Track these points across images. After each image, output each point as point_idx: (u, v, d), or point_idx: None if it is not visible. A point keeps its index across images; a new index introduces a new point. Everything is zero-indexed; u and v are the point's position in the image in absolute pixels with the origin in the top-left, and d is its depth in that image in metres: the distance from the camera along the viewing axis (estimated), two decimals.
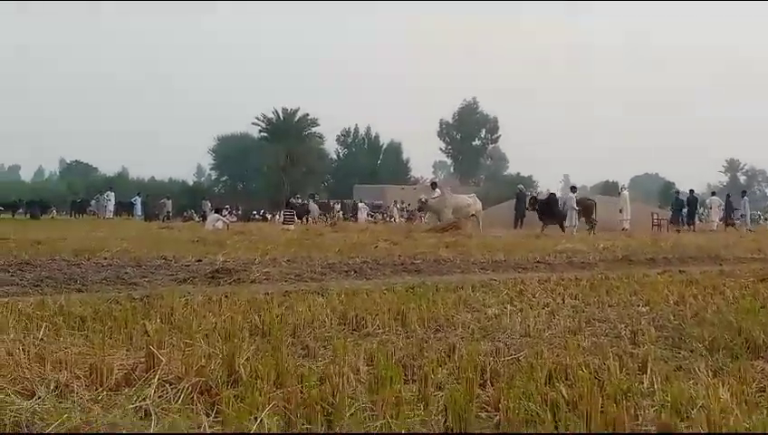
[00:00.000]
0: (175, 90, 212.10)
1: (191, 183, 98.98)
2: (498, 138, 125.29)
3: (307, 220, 49.87)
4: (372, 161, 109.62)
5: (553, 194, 37.00)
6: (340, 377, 4.06)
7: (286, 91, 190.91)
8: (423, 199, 36.22)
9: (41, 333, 4.97)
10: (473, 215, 32.02)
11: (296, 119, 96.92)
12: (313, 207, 55.67)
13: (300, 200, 58.56)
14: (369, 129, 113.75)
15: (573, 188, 38.76)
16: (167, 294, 7.80)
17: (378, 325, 6.43)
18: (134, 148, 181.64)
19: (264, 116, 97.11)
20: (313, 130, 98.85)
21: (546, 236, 26.57)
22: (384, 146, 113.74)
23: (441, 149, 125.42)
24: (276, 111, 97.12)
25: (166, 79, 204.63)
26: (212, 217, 36.97)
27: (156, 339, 4.92)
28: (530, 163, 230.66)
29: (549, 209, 32.80)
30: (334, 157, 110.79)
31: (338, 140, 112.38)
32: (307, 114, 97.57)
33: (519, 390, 4.01)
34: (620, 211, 39.73)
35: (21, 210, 57.61)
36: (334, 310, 7.10)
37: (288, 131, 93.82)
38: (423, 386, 4.10)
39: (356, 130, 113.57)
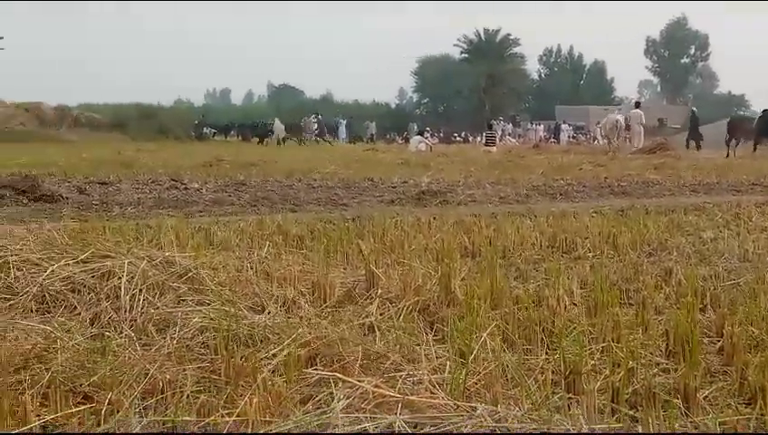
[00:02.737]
0: (378, 12, 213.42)
1: (393, 106, 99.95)
2: (708, 55, 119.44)
3: (265, 142, 47.10)
4: (575, 81, 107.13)
5: None
6: (557, 300, 4.06)
7: (487, 12, 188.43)
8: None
9: (264, 251, 5.19)
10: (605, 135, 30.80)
11: (498, 39, 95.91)
12: (278, 126, 50.49)
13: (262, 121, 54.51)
14: (571, 48, 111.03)
15: None
16: (377, 215, 7.97)
17: (588, 248, 6.35)
18: (338, 71, 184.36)
19: (466, 37, 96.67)
20: (515, 50, 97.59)
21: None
22: (587, 66, 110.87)
23: (647, 67, 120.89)
24: (478, 32, 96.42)
25: (368, 4, 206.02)
26: (415, 139, 37.38)
27: (371, 259, 5.04)
28: (743, 81, 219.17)
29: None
30: (536, 77, 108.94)
31: (540, 60, 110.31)
32: (509, 34, 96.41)
33: (742, 315, 3.89)
34: None
35: (233, 133, 59.90)
36: (543, 232, 7.05)
37: (489, 52, 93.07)
38: (641, 310, 4.04)
39: (558, 49, 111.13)
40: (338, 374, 2.59)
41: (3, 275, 3.67)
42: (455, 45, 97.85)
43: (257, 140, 49.23)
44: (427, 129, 62.99)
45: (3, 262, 3.72)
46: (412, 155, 27.24)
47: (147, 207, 9.55)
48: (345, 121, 63.83)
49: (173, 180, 13.34)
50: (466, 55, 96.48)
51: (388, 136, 66.88)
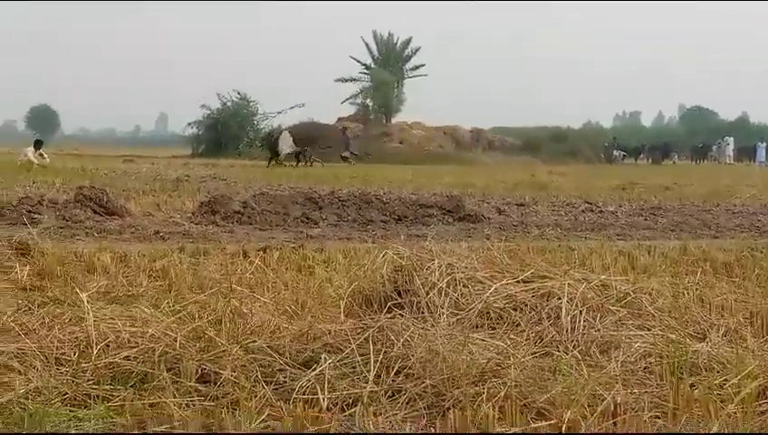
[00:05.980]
0: None
1: None
2: None
3: (277, 161, 34.06)
4: None
5: None
6: None
7: None
8: None
9: (696, 277, 5.07)
10: None
11: None
12: (285, 139, 35.99)
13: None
14: None
15: None
16: None
17: None
18: (751, 90, 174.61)
19: None
20: None
21: None
22: None
23: None
24: None
25: None
26: None
27: None
28: None
29: None
30: None
31: None
32: None
33: None
34: None
35: (642, 155, 58.98)
36: None
37: None
38: None
39: None
40: None
41: (451, 290, 3.91)
42: None
43: (268, 159, 35.58)
44: None
45: (451, 278, 3.97)
46: None
47: (564, 229, 9.71)
48: (765, 144, 60.39)
49: (587, 203, 13.45)
50: None
51: None
